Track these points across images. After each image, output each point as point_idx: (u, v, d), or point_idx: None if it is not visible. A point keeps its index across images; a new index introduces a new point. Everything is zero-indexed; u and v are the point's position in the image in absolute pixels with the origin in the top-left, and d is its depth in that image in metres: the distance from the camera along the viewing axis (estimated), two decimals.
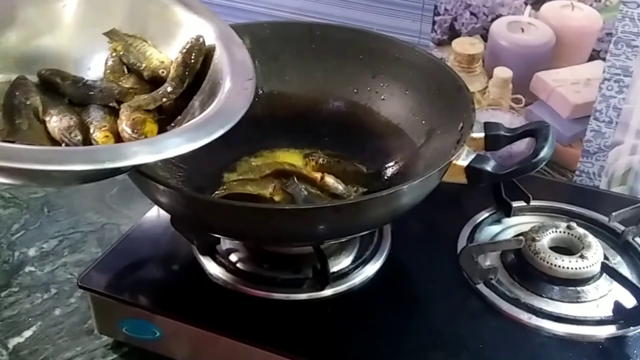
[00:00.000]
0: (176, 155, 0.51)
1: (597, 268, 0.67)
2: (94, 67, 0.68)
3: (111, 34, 0.68)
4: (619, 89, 0.81)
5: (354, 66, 0.79)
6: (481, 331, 0.63)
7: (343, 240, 0.69)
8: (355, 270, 0.69)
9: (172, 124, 0.62)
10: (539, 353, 0.61)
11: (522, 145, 0.77)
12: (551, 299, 0.66)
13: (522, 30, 0.84)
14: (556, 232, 0.70)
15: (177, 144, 0.52)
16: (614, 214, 0.73)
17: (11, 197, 0.91)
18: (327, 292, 0.66)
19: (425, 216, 0.68)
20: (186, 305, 0.66)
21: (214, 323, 0.64)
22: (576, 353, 0.61)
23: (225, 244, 0.72)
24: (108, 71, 0.68)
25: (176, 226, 0.69)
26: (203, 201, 0.62)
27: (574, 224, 0.71)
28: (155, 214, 0.76)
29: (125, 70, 0.68)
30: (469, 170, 0.63)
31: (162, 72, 0.65)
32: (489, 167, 0.64)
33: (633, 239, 0.72)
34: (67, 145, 0.59)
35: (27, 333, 0.72)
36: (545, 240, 0.69)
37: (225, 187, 0.70)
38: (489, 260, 0.70)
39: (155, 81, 0.65)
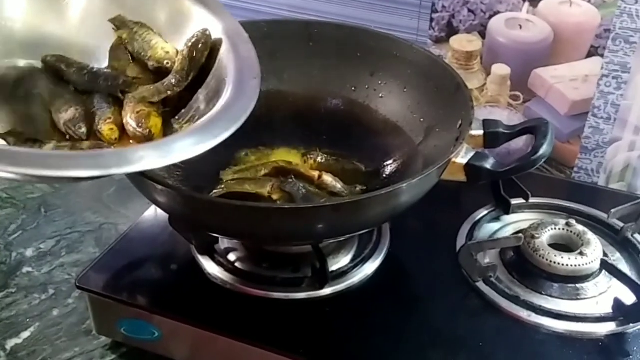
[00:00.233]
0: (183, 159, 0.51)
1: (596, 265, 0.67)
2: (100, 55, 0.68)
3: (116, 20, 0.67)
4: (617, 86, 0.81)
5: (352, 64, 0.79)
6: (481, 329, 0.63)
7: (342, 239, 0.68)
8: (354, 269, 0.69)
9: (177, 117, 0.62)
10: (538, 350, 0.61)
11: (520, 143, 0.77)
12: (551, 296, 0.66)
13: (520, 27, 0.83)
14: (555, 229, 0.70)
15: (183, 148, 0.51)
16: (613, 210, 0.73)
17: (8, 198, 0.91)
18: (326, 291, 0.66)
19: (424, 214, 0.68)
20: (185, 305, 0.66)
21: (212, 323, 0.64)
22: (576, 350, 0.61)
23: (224, 243, 0.71)
24: (112, 59, 0.67)
25: (174, 226, 0.69)
26: (201, 201, 0.62)
27: (573, 221, 0.71)
28: (153, 214, 0.76)
29: (130, 58, 0.67)
30: (468, 168, 0.63)
31: (167, 64, 0.64)
32: (488, 164, 0.63)
33: (632, 235, 0.72)
34: (71, 137, 0.58)
35: (25, 334, 0.71)
36: (544, 237, 0.69)
37: (223, 186, 0.70)
38: (488, 258, 0.70)
39: (159, 72, 0.65)
